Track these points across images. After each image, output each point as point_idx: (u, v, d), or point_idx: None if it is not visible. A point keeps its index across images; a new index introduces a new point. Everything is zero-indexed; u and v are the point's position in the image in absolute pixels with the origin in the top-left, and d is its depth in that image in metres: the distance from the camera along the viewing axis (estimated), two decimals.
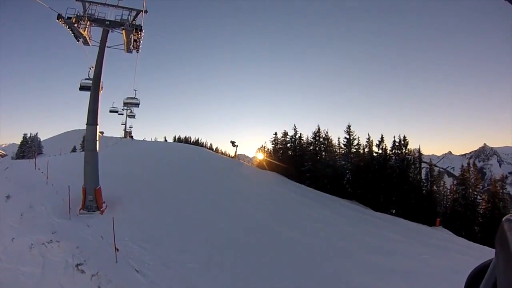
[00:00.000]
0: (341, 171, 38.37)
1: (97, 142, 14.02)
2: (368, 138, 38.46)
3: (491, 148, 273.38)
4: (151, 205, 16.24)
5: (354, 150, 38.62)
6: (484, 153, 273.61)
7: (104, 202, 14.71)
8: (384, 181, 34.88)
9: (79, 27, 13.65)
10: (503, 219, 0.75)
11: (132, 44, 15.39)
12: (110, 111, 52.93)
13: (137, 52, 16.36)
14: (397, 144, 36.93)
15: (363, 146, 38.62)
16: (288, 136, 42.50)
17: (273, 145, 44.04)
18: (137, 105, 49.18)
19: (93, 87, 14.24)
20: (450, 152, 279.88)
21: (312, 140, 40.73)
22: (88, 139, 14.15)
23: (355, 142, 38.75)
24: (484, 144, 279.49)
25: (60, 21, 13.06)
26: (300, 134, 41.99)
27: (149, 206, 15.89)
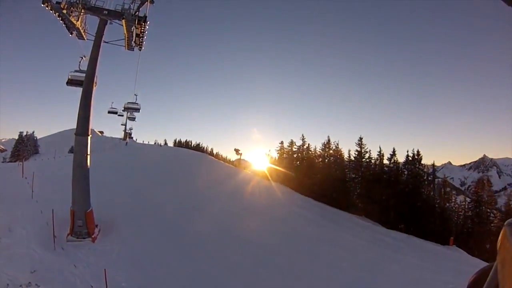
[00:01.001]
0: (351, 185, 36.25)
1: (88, 157, 11.53)
2: (380, 151, 36.47)
3: (491, 159, 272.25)
4: (151, 229, 14.07)
5: (365, 164, 36.44)
6: (483, 164, 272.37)
7: (96, 226, 12.40)
8: (396, 197, 33.00)
9: (71, 16, 11.20)
10: (505, 223, 0.71)
11: (134, 40, 12.94)
12: (109, 112, 50.66)
13: (139, 50, 13.94)
14: (410, 159, 35.04)
15: (374, 159, 36.61)
16: (295, 146, 40.27)
17: (278, 155, 41.81)
18: (137, 110, 47.42)
19: (85, 89, 11.70)
20: (449, 163, 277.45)
21: (321, 151, 38.50)
22: (77, 152, 11.58)
23: (366, 155, 36.75)
24: (484, 155, 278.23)
25: (46, 6, 10.64)
26: (308, 144, 39.82)
27: (148, 232, 13.71)
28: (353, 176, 36.95)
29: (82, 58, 14.05)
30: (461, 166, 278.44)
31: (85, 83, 11.71)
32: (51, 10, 10.58)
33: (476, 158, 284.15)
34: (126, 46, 13.63)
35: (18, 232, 11.84)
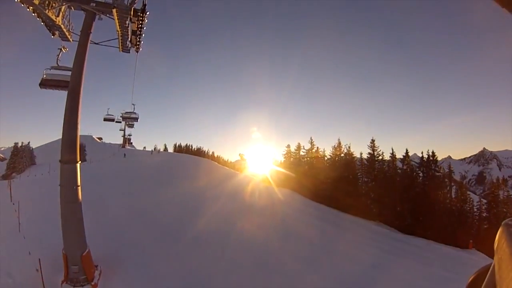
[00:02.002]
0: (364, 189, 34.28)
1: (79, 188, 9.20)
2: (392, 153, 34.66)
3: (491, 152, 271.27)
4: (159, 261, 11.91)
5: (378, 167, 34.45)
6: (483, 157, 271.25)
7: (96, 267, 10.17)
8: (412, 201, 31.34)
9: (48, 10, 8.62)
10: (502, 223, 0.72)
11: (129, 38, 10.49)
12: (105, 120, 48.34)
13: (136, 52, 11.55)
14: (425, 160, 33.41)
15: (387, 161, 34.69)
16: (303, 150, 38.18)
17: (285, 158, 39.72)
18: (135, 119, 45.49)
19: (69, 103, 9.04)
20: (449, 157, 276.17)
21: (331, 154, 36.43)
22: (64, 185, 9.14)
23: (379, 158, 34.85)
24: (484, 148, 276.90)
25: None
26: (317, 147, 37.77)
27: (156, 266, 11.53)
28: (366, 180, 35.01)
29: (61, 50, 10.84)
30: (461, 160, 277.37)
31: (69, 97, 8.98)
32: (22, 4, 8.11)
33: (476, 151, 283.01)
34: (120, 47, 11.12)
35: (3, 282, 9.71)
